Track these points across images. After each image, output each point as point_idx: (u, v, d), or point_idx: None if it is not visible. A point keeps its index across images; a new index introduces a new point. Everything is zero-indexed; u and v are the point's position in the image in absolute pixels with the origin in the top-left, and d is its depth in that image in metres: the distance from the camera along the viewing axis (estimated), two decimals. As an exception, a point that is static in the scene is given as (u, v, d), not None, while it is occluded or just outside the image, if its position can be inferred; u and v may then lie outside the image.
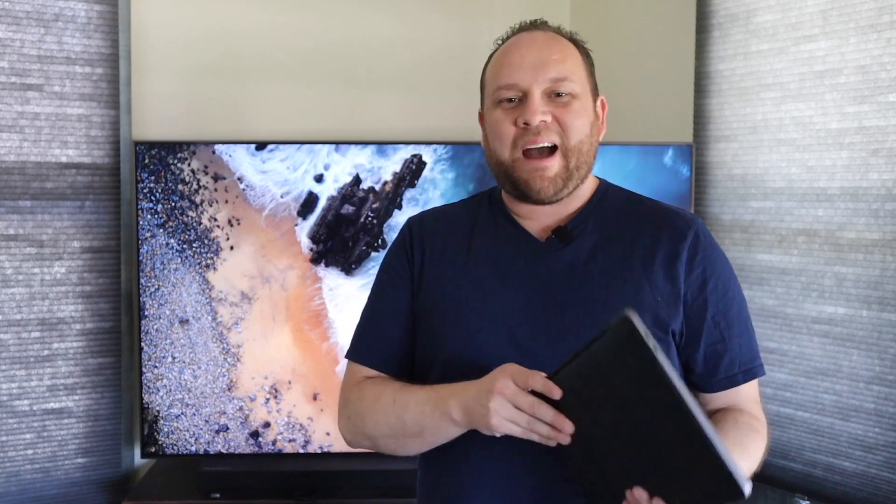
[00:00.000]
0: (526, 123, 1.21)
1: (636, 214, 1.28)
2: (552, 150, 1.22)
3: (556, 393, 1.04)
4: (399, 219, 2.30)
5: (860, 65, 2.01)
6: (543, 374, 1.05)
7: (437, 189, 2.30)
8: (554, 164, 1.21)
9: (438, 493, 1.28)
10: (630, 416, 0.99)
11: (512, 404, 1.06)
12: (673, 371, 0.95)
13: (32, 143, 2.24)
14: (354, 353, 1.35)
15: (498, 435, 1.09)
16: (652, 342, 0.95)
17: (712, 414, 1.26)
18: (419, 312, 1.30)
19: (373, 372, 1.33)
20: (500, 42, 1.33)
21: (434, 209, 1.41)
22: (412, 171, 2.30)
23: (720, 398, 1.27)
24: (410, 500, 2.21)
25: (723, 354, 1.24)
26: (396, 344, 1.32)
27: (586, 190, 1.29)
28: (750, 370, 1.27)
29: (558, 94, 1.22)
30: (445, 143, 2.31)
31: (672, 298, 1.22)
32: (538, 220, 1.28)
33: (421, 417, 1.19)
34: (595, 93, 1.29)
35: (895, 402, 1.97)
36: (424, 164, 2.30)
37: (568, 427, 1.04)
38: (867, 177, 2.01)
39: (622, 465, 1.02)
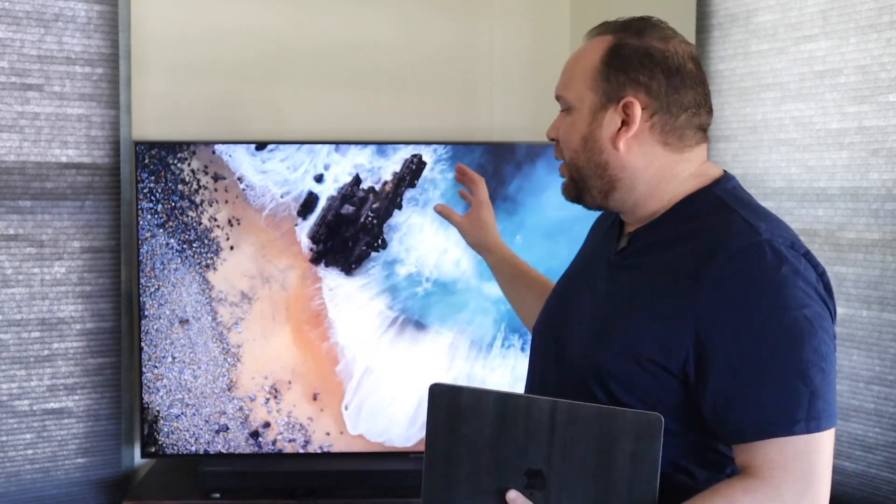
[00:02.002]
0: None
1: (692, 226, 1.14)
2: None
3: None
4: (399, 219, 2.30)
5: (860, 65, 2.01)
6: None
7: (437, 189, 2.30)
8: (565, 174, 1.24)
9: None
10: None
11: None
12: None
13: (32, 143, 2.24)
14: None
15: None
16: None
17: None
18: None
19: None
20: None
21: None
22: (412, 171, 2.30)
23: (737, 454, 1.09)
24: (410, 499, 2.22)
25: (732, 402, 1.06)
26: None
27: (675, 197, 1.18)
28: (765, 428, 1.04)
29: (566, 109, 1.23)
30: (445, 143, 2.31)
31: (673, 328, 1.08)
32: (630, 223, 1.26)
33: None
34: (610, 97, 1.16)
35: (895, 402, 1.97)
36: (424, 164, 2.30)
37: None
38: (867, 177, 2.01)
39: None
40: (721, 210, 1.15)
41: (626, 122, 1.16)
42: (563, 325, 1.26)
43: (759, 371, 1.04)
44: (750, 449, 1.06)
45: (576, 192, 1.22)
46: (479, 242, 1.58)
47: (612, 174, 1.18)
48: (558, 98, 1.23)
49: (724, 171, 1.22)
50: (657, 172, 1.18)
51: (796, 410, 1.03)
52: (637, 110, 1.15)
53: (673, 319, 1.08)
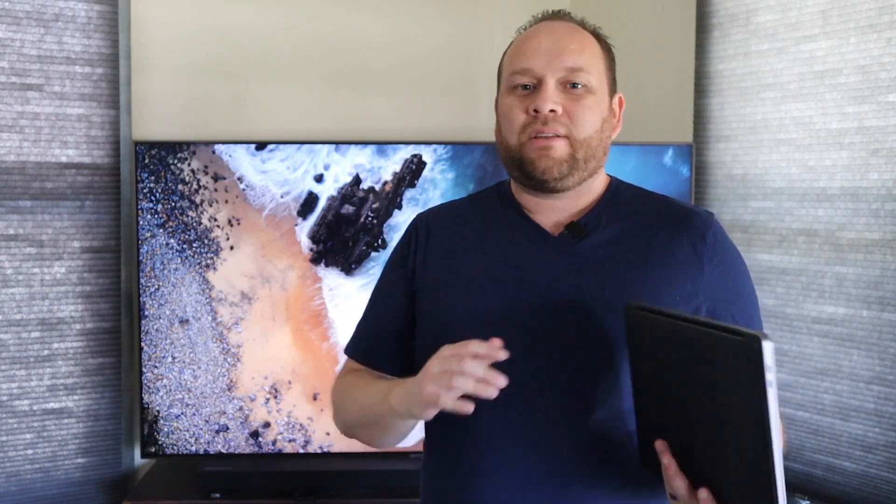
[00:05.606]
0: (536, 111, 1.20)
1: (650, 212, 1.28)
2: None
3: (501, 354, 1.05)
4: (399, 219, 2.30)
5: (860, 65, 2.01)
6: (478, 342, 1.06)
7: (437, 189, 2.30)
8: (560, 146, 1.20)
9: (446, 485, 1.26)
10: (708, 403, 1.03)
11: (443, 368, 1.06)
12: (773, 405, 0.96)
13: (32, 143, 2.24)
14: (348, 349, 1.39)
15: (430, 414, 1.08)
16: (770, 377, 0.95)
17: None
18: (422, 310, 1.29)
19: (363, 368, 1.34)
20: (521, 31, 1.32)
21: (441, 205, 1.40)
22: (412, 171, 2.30)
23: None
24: (410, 499, 2.22)
25: None
26: (388, 343, 1.33)
27: (598, 186, 1.29)
28: None
29: (573, 85, 1.21)
30: (445, 143, 2.31)
31: (690, 298, 1.22)
32: (548, 214, 1.27)
33: (373, 407, 1.23)
34: (613, 89, 1.28)
35: (895, 402, 1.97)
36: (424, 164, 2.30)
37: (500, 381, 1.04)
38: (867, 177, 2.01)
39: (681, 437, 1.07)
40: (652, 195, 1.33)
41: (614, 115, 1.29)
42: (527, 320, 1.21)
43: (752, 311, 1.28)
44: None
45: (569, 167, 1.21)
46: None
47: (602, 158, 1.27)
48: (575, 71, 1.21)
49: None
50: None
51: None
52: (622, 107, 1.31)
53: (688, 293, 1.23)
